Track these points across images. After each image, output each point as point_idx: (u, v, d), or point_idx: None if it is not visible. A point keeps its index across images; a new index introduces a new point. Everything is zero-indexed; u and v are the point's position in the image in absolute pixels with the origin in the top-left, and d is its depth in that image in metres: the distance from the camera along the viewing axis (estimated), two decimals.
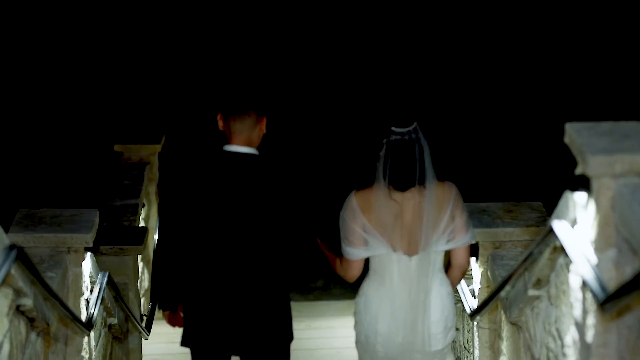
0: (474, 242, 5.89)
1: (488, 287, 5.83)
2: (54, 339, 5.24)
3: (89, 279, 5.91)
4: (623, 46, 16.29)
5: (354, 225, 4.84)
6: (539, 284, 4.57)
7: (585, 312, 3.81)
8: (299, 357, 8.64)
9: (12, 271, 4.11)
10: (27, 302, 4.45)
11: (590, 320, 3.74)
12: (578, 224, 3.89)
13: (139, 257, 9.34)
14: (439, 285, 4.99)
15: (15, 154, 15.70)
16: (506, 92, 16.77)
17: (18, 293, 4.38)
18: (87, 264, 5.78)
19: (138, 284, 9.23)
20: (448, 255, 5.06)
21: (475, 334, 6.13)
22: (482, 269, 5.91)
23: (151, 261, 10.47)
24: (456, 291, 6.39)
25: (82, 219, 5.65)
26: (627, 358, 3.55)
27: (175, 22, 17.11)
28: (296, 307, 10.22)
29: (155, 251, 5.06)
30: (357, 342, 5.15)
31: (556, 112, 15.40)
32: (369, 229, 4.84)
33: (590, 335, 3.74)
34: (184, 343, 5.10)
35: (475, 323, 6.11)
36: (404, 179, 4.80)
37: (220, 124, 4.96)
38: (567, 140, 3.86)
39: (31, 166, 15.63)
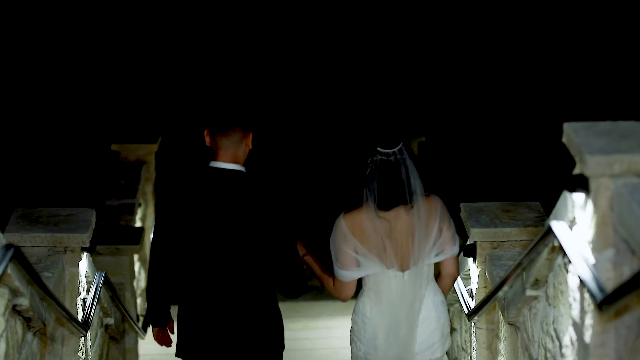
0: (472, 241, 5.90)
1: (486, 287, 5.82)
2: (50, 339, 5.23)
3: (85, 278, 5.90)
4: (621, 46, 16.30)
5: (346, 248, 4.91)
6: (537, 284, 4.57)
7: (583, 312, 3.81)
8: (297, 357, 8.64)
9: (9, 271, 4.10)
10: (24, 301, 4.44)
11: (589, 320, 3.73)
12: (576, 224, 3.88)
13: (136, 257, 9.34)
14: (432, 295, 5.09)
15: (12, 153, 15.68)
16: (504, 92, 16.78)
17: (14, 293, 4.36)
18: (84, 263, 5.77)
19: (134, 284, 9.22)
20: (438, 264, 5.14)
21: (473, 335, 6.12)
22: (480, 269, 5.91)
23: (148, 261, 10.47)
24: (454, 291, 6.39)
25: (79, 218, 5.64)
26: (625, 358, 3.55)
27: (172, 22, 17.10)
28: (293, 307, 10.27)
29: (148, 268, 5.07)
30: (355, 358, 5.18)
31: (554, 112, 15.40)
32: (361, 250, 4.91)
33: (588, 336, 3.74)
34: (178, 354, 5.13)
35: (472, 323, 6.10)
36: (391, 199, 4.87)
37: (207, 140, 4.99)
38: (565, 140, 3.86)
39: (28, 165, 15.61)
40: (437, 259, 5.02)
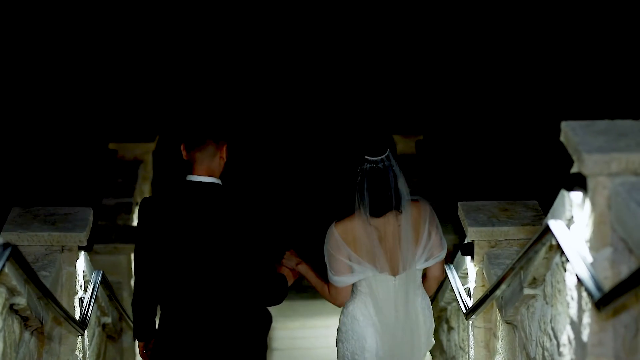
0: (469, 240, 5.90)
1: (483, 286, 5.82)
2: (47, 338, 5.23)
3: (82, 278, 5.89)
4: (618, 45, 16.31)
5: (339, 256, 5.00)
6: (534, 282, 4.57)
7: (581, 311, 3.81)
8: (295, 356, 8.64)
9: (6, 269, 4.10)
10: (21, 300, 4.44)
11: (586, 319, 3.73)
12: (574, 223, 3.88)
13: (133, 255, 9.33)
14: (420, 300, 5.21)
15: (10, 152, 15.67)
16: (502, 91, 16.78)
17: (12, 292, 4.36)
18: (81, 262, 5.76)
19: (132, 283, 9.21)
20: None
21: (471, 333, 6.12)
22: (477, 268, 5.90)
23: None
24: (451, 290, 6.38)
25: (76, 217, 5.63)
26: (623, 357, 3.54)
27: (169, 22, 17.09)
28: (291, 306, 10.27)
29: (134, 283, 5.11)
30: (341, 358, 5.25)
31: (552, 111, 15.40)
32: (354, 257, 5.01)
33: (586, 334, 3.74)
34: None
35: (470, 322, 6.10)
36: (381, 205, 4.99)
37: (184, 154, 5.07)
38: (562, 138, 3.85)
39: (25, 164, 15.60)
40: (427, 264, 5.13)
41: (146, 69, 16.95)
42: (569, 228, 3.94)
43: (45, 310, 4.98)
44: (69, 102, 16.48)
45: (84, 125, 16.21)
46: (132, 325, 8.12)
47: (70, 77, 16.59)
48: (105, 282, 6.54)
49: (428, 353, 5.34)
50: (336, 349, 5.36)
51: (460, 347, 6.92)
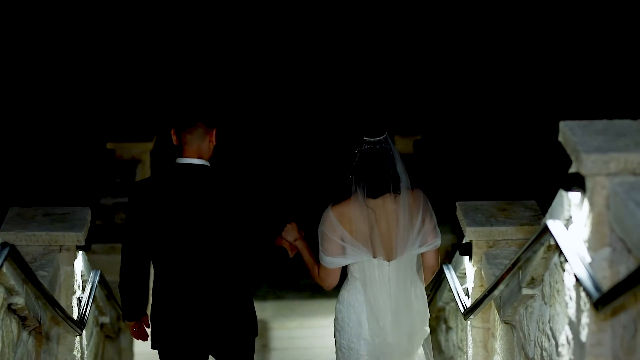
0: (468, 240, 5.90)
1: (482, 286, 5.82)
2: (45, 337, 5.22)
3: (80, 277, 5.89)
4: (616, 45, 16.31)
5: (333, 236, 4.99)
6: (533, 282, 4.57)
7: (579, 311, 3.81)
8: (292, 355, 8.63)
9: (4, 269, 4.10)
10: (19, 300, 4.44)
11: (585, 319, 3.73)
12: (572, 223, 3.88)
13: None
14: (415, 287, 5.17)
15: (8, 152, 15.66)
16: (500, 90, 16.78)
17: (10, 291, 4.36)
18: (79, 262, 5.76)
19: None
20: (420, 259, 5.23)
21: (469, 333, 6.12)
22: (475, 268, 5.90)
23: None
24: (450, 290, 6.38)
25: (74, 217, 5.63)
26: (621, 357, 3.54)
27: (166, 22, 17.08)
28: (289, 306, 10.27)
29: (120, 264, 5.16)
30: (339, 350, 5.24)
31: (550, 110, 15.40)
32: (348, 239, 5.00)
33: (584, 335, 3.73)
34: (154, 346, 5.25)
35: (469, 322, 6.10)
36: (379, 186, 4.99)
37: (174, 138, 5.19)
38: (561, 138, 3.85)
39: (23, 164, 15.59)
40: (421, 250, 5.11)
41: (144, 69, 16.94)
42: (567, 228, 3.94)
43: (43, 310, 4.98)
44: (67, 101, 16.47)
45: (82, 125, 16.19)
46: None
47: (68, 77, 16.58)
48: (103, 282, 6.53)
49: (421, 348, 5.29)
50: (333, 348, 5.36)
51: (459, 347, 6.92)
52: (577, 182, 3.69)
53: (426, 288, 5.29)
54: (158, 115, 15.74)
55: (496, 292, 5.13)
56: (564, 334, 4.04)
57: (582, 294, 3.75)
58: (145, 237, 5.05)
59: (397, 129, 12.42)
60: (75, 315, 5.63)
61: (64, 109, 16.40)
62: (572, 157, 3.74)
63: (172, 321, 5.10)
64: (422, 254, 5.17)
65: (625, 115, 4.32)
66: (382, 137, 5.01)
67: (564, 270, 4.06)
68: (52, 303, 4.88)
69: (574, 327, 3.88)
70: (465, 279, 6.25)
